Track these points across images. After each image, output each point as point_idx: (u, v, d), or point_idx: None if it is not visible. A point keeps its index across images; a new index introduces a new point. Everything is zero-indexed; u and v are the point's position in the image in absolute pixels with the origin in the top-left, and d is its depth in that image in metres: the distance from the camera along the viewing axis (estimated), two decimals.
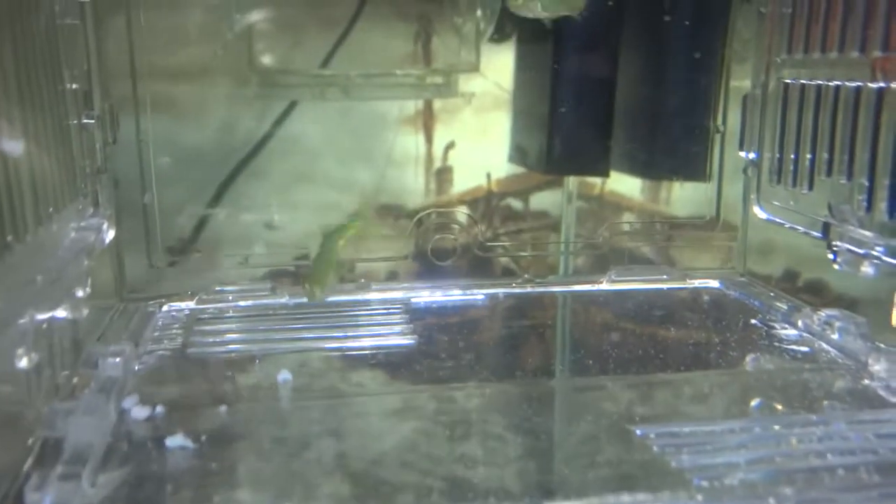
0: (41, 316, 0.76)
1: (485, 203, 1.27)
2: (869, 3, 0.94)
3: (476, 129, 1.24)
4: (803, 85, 1.07)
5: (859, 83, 0.96)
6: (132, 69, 1.12)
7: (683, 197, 1.28)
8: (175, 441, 0.72)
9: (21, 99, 0.79)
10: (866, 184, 0.95)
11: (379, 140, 1.24)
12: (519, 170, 1.27)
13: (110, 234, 1.07)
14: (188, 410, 0.80)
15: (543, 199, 1.29)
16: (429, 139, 1.26)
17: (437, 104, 1.24)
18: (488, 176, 1.26)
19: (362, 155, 1.24)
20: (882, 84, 0.92)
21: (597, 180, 1.27)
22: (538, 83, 1.21)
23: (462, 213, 1.27)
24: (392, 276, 1.23)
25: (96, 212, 1.05)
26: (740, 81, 1.20)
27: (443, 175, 1.28)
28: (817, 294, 1.09)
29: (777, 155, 1.13)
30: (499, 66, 1.24)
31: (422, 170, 1.26)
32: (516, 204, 1.30)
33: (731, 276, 1.22)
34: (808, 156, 1.06)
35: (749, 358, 0.95)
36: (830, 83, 1.01)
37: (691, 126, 1.21)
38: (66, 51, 0.98)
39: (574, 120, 1.20)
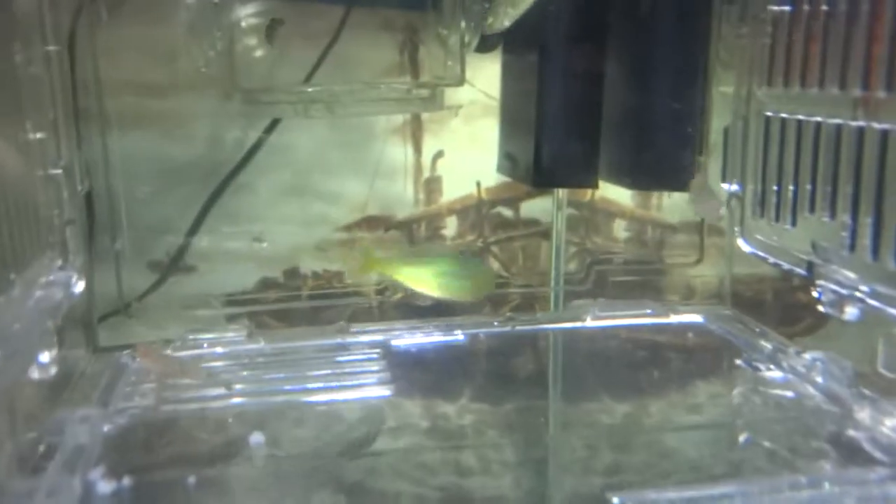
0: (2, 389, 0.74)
1: (475, 212, 1.26)
2: (847, 40, 0.92)
3: (465, 138, 1.23)
4: (784, 119, 1.04)
5: (839, 121, 0.94)
6: (97, 90, 1.11)
7: (673, 203, 1.26)
8: None
9: None
10: (849, 222, 0.93)
11: (367, 151, 1.23)
12: (508, 178, 1.26)
13: (80, 286, 1.04)
14: (155, 482, 0.78)
15: (534, 207, 1.28)
16: (417, 149, 1.25)
17: (426, 114, 1.23)
18: (478, 185, 1.25)
19: (350, 167, 1.23)
20: (862, 123, 0.90)
21: None
22: (524, 94, 1.19)
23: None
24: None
25: (65, 264, 1.02)
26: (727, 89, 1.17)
27: (432, 185, 1.27)
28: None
29: (760, 188, 1.11)
30: (487, 74, 1.22)
31: (411, 180, 1.25)
32: (506, 212, 1.29)
33: (717, 309, 1.20)
34: (791, 190, 1.04)
35: (734, 405, 0.93)
36: (811, 119, 0.99)
37: (673, 136, 1.17)
38: (29, 100, 0.96)
39: (561, 131, 1.17)
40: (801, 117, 1.01)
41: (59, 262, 1.02)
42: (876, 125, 0.88)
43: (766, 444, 0.84)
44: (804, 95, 1.00)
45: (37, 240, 0.94)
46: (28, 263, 0.89)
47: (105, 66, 1.11)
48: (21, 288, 0.85)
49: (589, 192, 1.27)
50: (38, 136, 0.98)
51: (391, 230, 1.25)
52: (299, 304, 1.22)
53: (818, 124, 0.97)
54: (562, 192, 1.27)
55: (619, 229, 1.31)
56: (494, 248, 1.28)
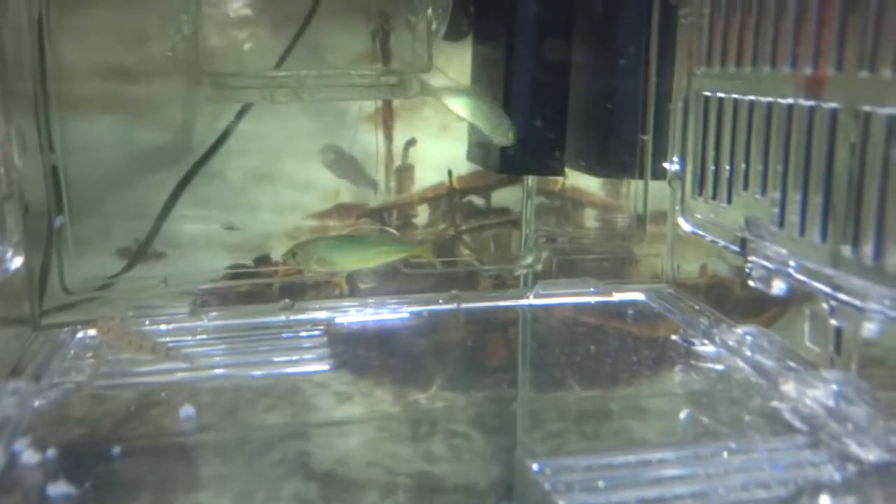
0: None
1: (446, 200, 1.26)
2: (777, 19, 0.93)
3: (436, 127, 1.24)
4: (721, 98, 1.06)
5: (771, 98, 0.95)
6: (42, 71, 1.09)
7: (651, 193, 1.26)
8: (57, 489, 0.70)
9: None
10: (779, 199, 0.95)
11: (339, 139, 1.23)
12: (479, 166, 1.27)
13: (16, 262, 1.04)
14: (81, 453, 0.78)
15: (505, 196, 1.29)
16: (389, 137, 1.26)
17: (397, 101, 1.24)
18: (449, 173, 1.26)
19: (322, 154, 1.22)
20: (791, 100, 0.91)
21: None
22: (492, 82, 1.20)
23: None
24: None
25: (1, 240, 1.01)
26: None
27: (404, 173, 1.27)
28: None
29: (699, 167, 1.12)
30: (459, 62, 1.23)
31: (383, 168, 1.25)
32: (478, 201, 1.30)
33: (659, 288, 1.22)
34: (727, 168, 1.05)
35: (664, 378, 0.94)
36: (745, 97, 1.00)
37: (614, 123, 1.20)
38: None
39: (528, 119, 1.19)
40: (736, 96, 1.02)
41: None
42: (804, 102, 0.89)
43: (693, 414, 0.85)
44: (739, 74, 1.01)
45: None
46: None
47: (73, 50, 1.10)
48: None
49: (559, 181, 1.29)
50: None
51: (363, 218, 1.25)
52: (270, 291, 1.22)
53: (752, 102, 0.99)
54: (531, 181, 1.29)
55: (590, 219, 1.32)
56: (465, 237, 1.28)
